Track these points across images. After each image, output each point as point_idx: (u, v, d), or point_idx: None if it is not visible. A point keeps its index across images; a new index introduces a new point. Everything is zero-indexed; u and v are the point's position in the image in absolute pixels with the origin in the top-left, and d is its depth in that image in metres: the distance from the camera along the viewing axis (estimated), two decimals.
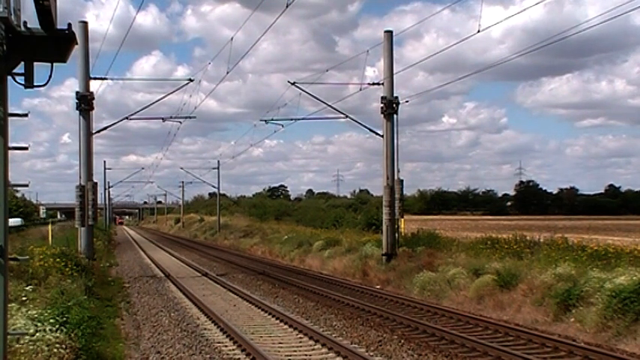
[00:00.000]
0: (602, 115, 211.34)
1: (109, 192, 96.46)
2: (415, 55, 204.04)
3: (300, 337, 14.49)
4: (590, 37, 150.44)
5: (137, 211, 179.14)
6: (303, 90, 28.44)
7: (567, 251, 19.65)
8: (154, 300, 20.79)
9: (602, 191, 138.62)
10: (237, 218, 70.49)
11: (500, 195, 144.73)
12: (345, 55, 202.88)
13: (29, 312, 11.26)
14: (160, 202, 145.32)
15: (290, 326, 15.71)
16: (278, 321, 16.57)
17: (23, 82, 5.94)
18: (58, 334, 10.18)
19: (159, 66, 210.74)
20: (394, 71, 26.54)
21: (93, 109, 26.50)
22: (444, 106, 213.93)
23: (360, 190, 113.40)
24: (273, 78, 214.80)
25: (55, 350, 9.54)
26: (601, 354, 12.20)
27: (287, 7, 17.77)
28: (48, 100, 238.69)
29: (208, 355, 12.66)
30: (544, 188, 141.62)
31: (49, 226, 33.86)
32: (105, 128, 30.72)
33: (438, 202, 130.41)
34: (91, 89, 26.53)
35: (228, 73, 26.91)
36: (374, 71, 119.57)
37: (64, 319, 11.32)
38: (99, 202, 33.13)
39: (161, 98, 31.66)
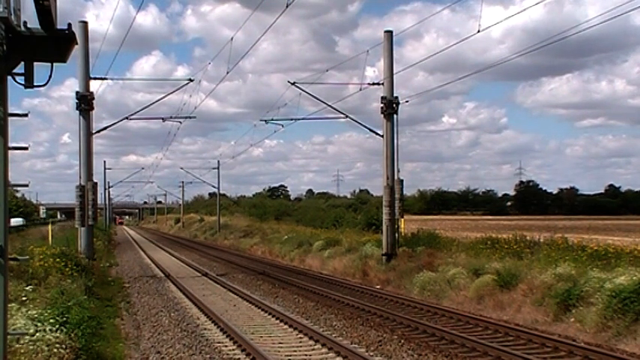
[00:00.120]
0: (602, 115, 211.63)
1: (109, 192, 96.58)
2: (415, 55, 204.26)
3: (300, 337, 14.49)
4: (590, 37, 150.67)
5: (137, 211, 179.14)
6: (303, 90, 28.47)
7: (567, 251, 19.65)
8: (154, 300, 20.79)
9: (602, 191, 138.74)
10: (237, 218, 70.49)
11: (500, 195, 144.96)
12: (345, 55, 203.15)
13: (29, 312, 11.26)
14: (160, 202, 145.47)
15: (290, 326, 15.71)
16: (278, 321, 16.57)
17: (23, 82, 5.94)
18: (58, 334, 10.18)
19: (159, 66, 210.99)
20: (394, 71, 26.57)
21: (93, 109, 26.50)
22: (444, 106, 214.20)
23: (360, 190, 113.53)
24: (273, 78, 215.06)
25: (55, 350, 9.54)
26: (601, 354, 12.20)
27: (287, 7, 17.79)
28: (48, 100, 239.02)
29: (208, 355, 12.66)
30: (544, 188, 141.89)
31: (49, 226, 33.88)
32: (105, 128, 30.77)
33: (438, 202, 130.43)
34: (91, 89, 26.54)
35: (228, 73, 26.94)
36: (374, 71, 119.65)
37: (64, 319, 11.32)
38: (99, 202, 33.12)
39: (161, 98, 31.70)
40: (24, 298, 12.98)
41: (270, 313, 17.68)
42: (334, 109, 29.03)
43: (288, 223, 56.04)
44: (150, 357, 12.61)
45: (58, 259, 18.88)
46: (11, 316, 10.42)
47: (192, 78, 28.72)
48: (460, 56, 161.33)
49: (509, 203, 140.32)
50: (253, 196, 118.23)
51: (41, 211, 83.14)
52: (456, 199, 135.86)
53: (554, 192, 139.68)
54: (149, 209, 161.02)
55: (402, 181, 26.21)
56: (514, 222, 72.85)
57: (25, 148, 7.90)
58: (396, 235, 26.40)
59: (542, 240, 22.97)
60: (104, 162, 78.17)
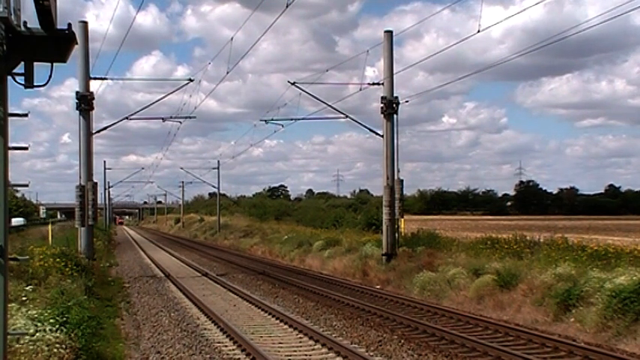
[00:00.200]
0: (602, 115, 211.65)
1: (109, 192, 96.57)
2: (415, 55, 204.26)
3: (300, 337, 14.49)
4: (590, 37, 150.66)
5: (137, 211, 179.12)
6: (303, 90, 28.47)
7: (567, 251, 19.65)
8: (154, 300, 20.79)
9: (602, 191, 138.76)
10: (237, 218, 70.48)
11: (500, 195, 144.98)
12: (345, 55, 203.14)
13: (29, 312, 11.26)
14: (160, 202, 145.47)
15: (290, 326, 15.71)
16: (278, 321, 16.57)
17: (23, 82, 5.94)
18: (58, 334, 10.18)
19: (159, 66, 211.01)
20: (394, 71, 26.57)
21: (93, 109, 26.49)
22: (444, 106, 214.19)
23: (360, 190, 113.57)
24: (273, 78, 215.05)
25: (55, 350, 9.54)
26: (601, 354, 12.20)
27: (287, 7, 17.78)
28: (48, 100, 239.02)
29: (208, 355, 12.66)
30: (544, 188, 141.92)
31: (49, 226, 33.87)
32: (105, 128, 30.77)
33: (438, 202, 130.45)
34: (91, 89, 26.54)
35: (228, 73, 26.94)
36: (374, 71, 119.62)
37: (64, 319, 11.32)
38: (99, 202, 33.12)
39: (161, 98, 31.70)
40: (24, 298, 12.98)
41: (270, 313, 17.68)
42: (334, 109, 29.06)
43: (288, 223, 56.03)
44: (150, 357, 12.61)
45: (58, 259, 18.88)
46: (11, 316, 10.42)
47: (192, 78, 28.75)
48: (460, 56, 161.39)
49: (509, 203, 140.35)
50: (253, 196, 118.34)
51: (41, 211, 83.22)
52: (456, 199, 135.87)
53: (554, 192, 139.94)
54: (149, 209, 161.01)
55: (402, 181, 26.21)
56: (514, 222, 72.86)
57: (25, 148, 7.90)
58: (396, 235, 26.39)
59: (542, 240, 22.97)
60: (104, 162, 78.24)
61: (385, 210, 26.17)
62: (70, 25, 5.89)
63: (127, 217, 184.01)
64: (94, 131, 27.05)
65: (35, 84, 6.00)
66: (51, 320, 10.78)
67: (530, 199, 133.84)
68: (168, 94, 31.00)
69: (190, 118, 32.87)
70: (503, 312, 17.19)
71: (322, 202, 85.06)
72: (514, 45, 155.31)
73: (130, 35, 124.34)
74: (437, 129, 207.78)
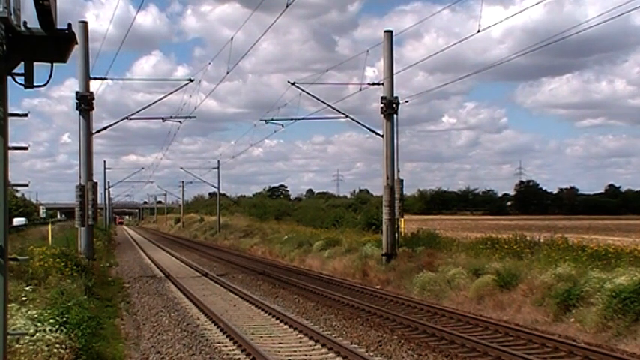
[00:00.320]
0: (602, 115, 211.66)
1: (109, 192, 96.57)
2: (415, 55, 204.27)
3: (300, 337, 14.49)
4: (590, 37, 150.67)
5: (137, 211, 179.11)
6: (303, 90, 28.47)
7: (567, 251, 19.65)
8: (154, 300, 20.79)
9: (602, 191, 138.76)
10: (237, 218, 70.48)
11: (500, 195, 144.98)
12: (345, 55, 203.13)
13: (29, 312, 11.26)
14: (160, 202, 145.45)
15: (290, 326, 15.71)
16: (278, 321, 16.57)
17: (23, 82, 5.94)
18: (58, 334, 10.18)
19: (159, 66, 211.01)
20: (394, 71, 26.57)
21: (93, 109, 26.49)
22: (444, 106, 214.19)
23: (360, 190, 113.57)
24: (273, 78, 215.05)
25: (55, 350, 9.54)
26: (601, 354, 12.20)
27: (287, 7, 17.78)
28: (48, 100, 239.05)
29: (208, 355, 12.66)
30: (544, 188, 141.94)
31: (49, 226, 33.87)
32: (105, 128, 30.76)
33: (438, 202, 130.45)
34: (91, 89, 26.54)
35: (228, 73, 26.94)
36: (374, 71, 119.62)
37: (64, 319, 11.32)
38: (99, 202, 33.12)
39: (161, 98, 31.69)
40: (24, 298, 12.98)
41: (270, 313, 17.68)
42: (334, 109, 29.06)
43: (288, 223, 56.03)
44: (150, 357, 12.61)
45: (58, 259, 18.88)
46: (11, 316, 10.42)
47: (192, 78, 28.75)
48: (460, 56, 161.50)
49: (509, 203, 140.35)
50: (253, 196, 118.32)
51: (41, 211, 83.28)
52: (456, 199, 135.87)
53: (554, 192, 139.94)
54: (149, 209, 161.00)
55: (402, 181, 26.21)
56: (514, 222, 72.85)
57: (25, 148, 7.90)
58: (396, 235, 26.39)
59: (542, 240, 22.97)
60: (104, 162, 78.23)
61: (385, 210, 26.17)
62: (70, 25, 5.89)
63: (127, 217, 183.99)
64: (94, 131, 27.06)
65: (35, 84, 6.00)
66: (51, 320, 10.78)
67: (530, 199, 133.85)
68: (169, 94, 31.04)
69: (190, 118, 32.91)
70: (503, 312, 17.19)
71: (322, 202, 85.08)
72: (514, 45, 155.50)
73: (130, 35, 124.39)
74: (437, 129, 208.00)
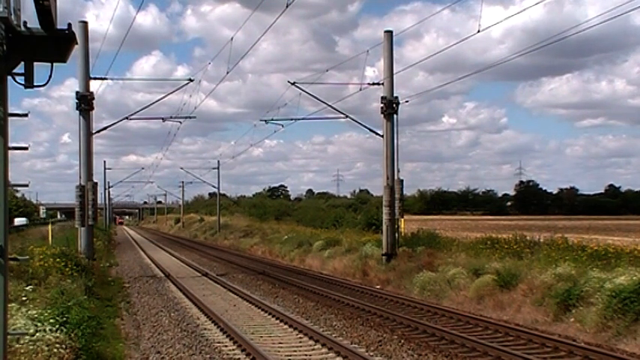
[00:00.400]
0: (602, 115, 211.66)
1: (109, 192, 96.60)
2: (415, 55, 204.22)
3: (300, 337, 14.49)
4: (590, 37, 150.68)
5: (137, 211, 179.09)
6: (303, 90, 28.47)
7: (567, 251, 19.65)
8: (154, 300, 20.80)
9: (602, 191, 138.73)
10: (237, 218, 70.47)
11: (500, 195, 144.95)
12: (345, 55, 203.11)
13: (29, 312, 11.26)
14: (160, 202, 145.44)
15: (290, 326, 15.72)
16: (278, 321, 16.57)
17: (23, 82, 5.94)
18: (58, 334, 10.18)
19: (159, 66, 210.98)
20: (394, 71, 26.57)
21: (93, 109, 26.50)
22: (444, 106, 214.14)
23: (360, 190, 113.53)
24: (273, 78, 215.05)
25: (55, 350, 9.54)
26: (601, 354, 12.20)
27: (287, 7, 17.78)
28: (48, 100, 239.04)
29: (208, 355, 12.66)
30: (544, 188, 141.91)
31: (49, 226, 33.87)
32: (105, 128, 30.77)
33: (438, 202, 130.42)
34: (91, 89, 26.55)
35: (228, 73, 26.95)
36: (374, 71, 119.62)
37: (64, 319, 11.32)
38: (99, 202, 33.11)
39: (161, 98, 31.70)
40: (24, 298, 12.98)
41: (270, 313, 17.68)
42: (334, 109, 29.06)
43: (288, 223, 56.02)
44: (150, 357, 12.61)
45: (58, 259, 18.88)
46: (11, 316, 10.42)
47: (192, 78, 28.76)
48: (460, 56, 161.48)
49: (509, 203, 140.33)
50: (253, 196, 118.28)
51: (41, 211, 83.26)
52: (456, 199, 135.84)
53: (554, 192, 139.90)
54: (149, 209, 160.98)
55: (402, 181, 26.21)
56: (514, 222, 72.84)
57: (25, 148, 7.90)
58: (396, 235, 26.39)
59: (542, 240, 22.97)
60: (104, 162, 78.26)
61: (385, 210, 26.17)
62: (70, 25, 5.89)
63: (127, 217, 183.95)
64: (94, 131, 27.07)
65: (35, 84, 6.00)
66: (51, 320, 10.78)
67: (530, 199, 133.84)
68: (168, 94, 31.05)
69: (190, 118, 32.92)
70: (503, 312, 17.19)
71: (322, 202, 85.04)
72: (514, 45, 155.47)
73: (130, 35, 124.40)
74: (437, 129, 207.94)
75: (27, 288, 14.24)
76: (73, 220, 29.39)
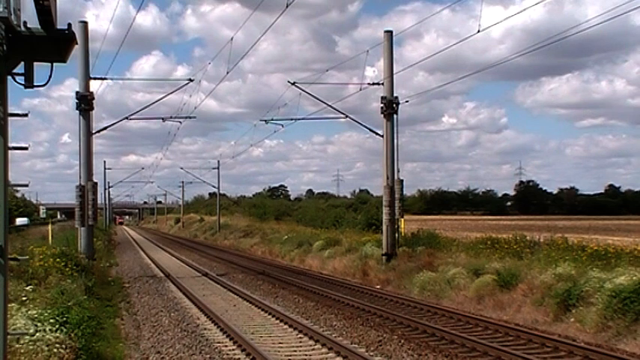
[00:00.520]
0: (602, 115, 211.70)
1: (109, 192, 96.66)
2: (415, 55, 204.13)
3: (300, 337, 14.49)
4: (590, 37, 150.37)
5: (137, 211, 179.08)
6: (303, 90, 28.48)
7: (567, 251, 19.65)
8: (154, 300, 20.80)
9: (602, 191, 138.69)
10: (237, 218, 70.48)
11: (500, 195, 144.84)
12: (345, 55, 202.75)
13: (29, 312, 11.25)
14: (159, 202, 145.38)
15: (290, 326, 15.72)
16: (278, 321, 16.58)
17: (23, 82, 5.95)
18: (58, 334, 10.18)
19: (159, 66, 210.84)
20: (394, 71, 26.58)
21: (93, 109, 26.51)
22: (444, 106, 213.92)
23: (360, 190, 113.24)
24: (273, 78, 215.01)
25: (55, 350, 9.54)
26: (601, 354, 12.21)
27: (287, 7, 17.78)
28: (48, 100, 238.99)
29: (208, 355, 12.66)
30: (544, 188, 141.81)
31: (49, 226, 33.86)
32: (105, 128, 30.74)
33: (438, 202, 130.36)
34: (91, 89, 26.56)
35: (228, 73, 26.94)
36: (374, 71, 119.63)
37: (64, 319, 11.32)
38: (99, 202, 33.11)
39: (161, 98, 31.68)
40: (24, 298, 12.97)
41: (270, 313, 17.69)
42: (334, 109, 29.06)
43: (288, 223, 56.00)
44: (150, 357, 12.61)
45: (58, 259, 18.88)
46: (11, 316, 10.41)
47: (192, 78, 28.77)
48: (460, 56, 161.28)
49: (509, 203, 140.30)
50: (253, 196, 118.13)
51: (41, 211, 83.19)
52: (456, 199, 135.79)
53: (554, 192, 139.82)
54: (149, 209, 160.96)
55: (402, 181, 26.21)
56: (514, 222, 72.81)
57: (25, 148, 7.92)
58: (396, 235, 26.40)
59: (542, 240, 22.98)
60: (104, 162, 78.33)
61: (385, 210, 26.18)
62: (70, 25, 5.89)
63: (127, 217, 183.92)
64: (94, 131, 27.08)
65: (35, 84, 6.01)
66: (51, 320, 10.78)
67: (530, 199, 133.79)
68: (168, 94, 31.07)
69: (190, 118, 32.93)
70: (503, 312, 17.19)
71: (322, 202, 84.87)
72: (514, 45, 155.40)
73: (130, 35, 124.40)
74: (437, 129, 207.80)
75: (27, 288, 14.24)
76: (73, 220, 29.39)
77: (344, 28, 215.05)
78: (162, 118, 33.15)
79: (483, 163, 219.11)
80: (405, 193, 27.24)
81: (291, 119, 33.94)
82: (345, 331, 15.18)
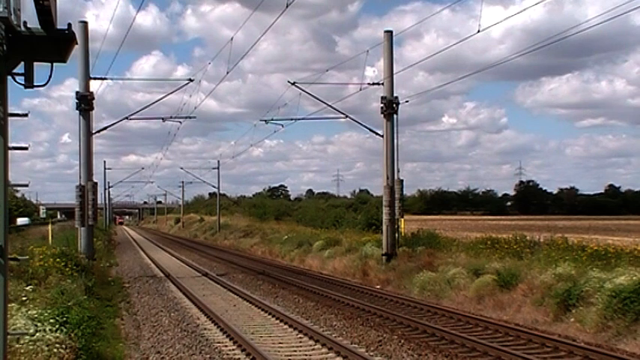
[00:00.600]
0: (602, 115, 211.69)
1: (109, 192, 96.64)
2: (415, 55, 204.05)
3: (300, 337, 14.50)
4: (590, 37, 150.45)
5: (137, 211, 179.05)
6: (303, 90, 28.48)
7: (567, 251, 19.65)
8: (154, 300, 20.80)
9: (602, 191, 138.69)
10: (237, 218, 70.47)
11: (500, 195, 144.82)
12: (345, 55, 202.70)
13: (29, 312, 11.25)
14: (159, 202, 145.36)
15: (290, 326, 15.72)
16: (278, 321, 16.58)
17: (23, 82, 5.95)
18: (58, 334, 10.18)
19: (159, 66, 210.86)
20: (394, 71, 26.58)
21: (93, 109, 26.51)
22: (444, 106, 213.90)
23: (360, 190, 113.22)
24: (273, 78, 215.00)
25: (55, 350, 9.54)
26: (601, 354, 12.21)
27: (287, 7, 17.78)
28: (48, 100, 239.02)
29: (208, 355, 12.66)
30: (544, 188, 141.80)
31: (49, 226, 33.87)
32: (105, 128, 30.74)
33: (438, 202, 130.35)
34: (91, 89, 26.56)
35: (228, 73, 26.95)
36: (374, 71, 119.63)
37: (64, 319, 11.32)
38: (99, 202, 33.11)
39: (161, 98, 31.69)
40: (24, 298, 12.97)
41: (270, 313, 17.69)
42: (334, 109, 29.07)
43: (288, 223, 55.99)
44: (150, 357, 12.61)
45: (58, 259, 18.88)
46: (11, 316, 10.41)
47: (192, 78, 28.77)
48: (460, 56, 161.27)
49: (509, 203, 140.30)
50: (253, 196, 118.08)
51: (41, 211, 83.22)
52: (456, 199, 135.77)
53: (554, 192, 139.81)
54: (149, 209, 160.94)
55: (402, 181, 26.21)
56: (514, 222, 72.80)
57: (25, 148, 7.92)
58: (396, 235, 26.40)
59: (542, 240, 22.98)
60: (104, 162, 78.31)
61: (385, 210, 26.17)
62: (70, 25, 5.89)
63: (127, 217, 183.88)
64: (94, 131, 27.08)
65: (35, 84, 6.01)
66: (51, 320, 10.78)
67: (530, 199, 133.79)
68: (168, 94, 31.08)
69: (190, 118, 32.94)
70: (503, 312, 17.19)
71: (322, 202, 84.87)
72: (514, 45, 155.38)
73: (130, 35, 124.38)
74: (437, 129, 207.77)
75: (27, 288, 14.24)
76: (73, 220, 29.39)
77: (344, 28, 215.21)
78: (163, 118, 33.19)
79: (483, 163, 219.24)
80: (405, 193, 27.26)
81: (291, 119, 33.98)
82: (345, 331, 15.18)
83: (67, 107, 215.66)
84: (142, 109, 31.43)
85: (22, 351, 9.23)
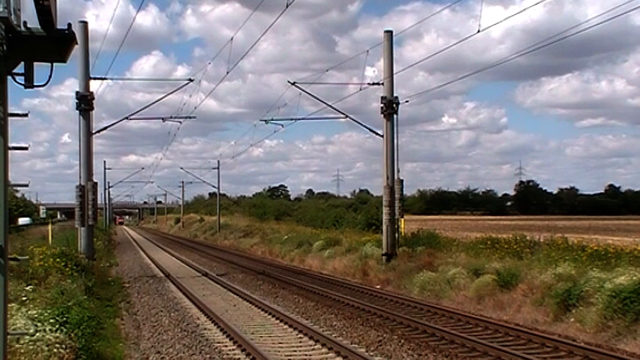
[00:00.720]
0: (602, 115, 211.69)
1: (109, 192, 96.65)
2: (415, 55, 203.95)
3: (300, 337, 14.50)
4: (590, 37, 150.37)
5: (137, 211, 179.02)
6: (303, 90, 28.49)
7: (567, 251, 19.65)
8: (154, 300, 20.80)
9: (602, 191, 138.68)
10: (237, 218, 70.48)
11: (500, 195, 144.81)
12: (345, 55, 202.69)
13: (29, 312, 11.25)
14: (159, 202, 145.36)
15: (290, 326, 15.72)
16: (278, 321, 16.58)
17: (23, 82, 5.95)
18: (58, 334, 10.17)
19: (159, 66, 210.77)
20: (394, 71, 26.58)
21: (93, 109, 26.51)
22: (444, 106, 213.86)
23: (360, 190, 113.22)
24: (273, 78, 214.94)
25: (55, 350, 9.54)
26: (601, 354, 12.21)
27: (287, 7, 17.78)
28: (48, 100, 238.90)
29: (208, 355, 12.66)
30: (544, 188, 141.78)
31: (49, 226, 33.87)
32: (105, 128, 30.75)
33: (438, 202, 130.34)
34: (91, 89, 26.57)
35: (228, 73, 26.97)
36: (374, 71, 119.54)
37: (64, 319, 11.32)
38: (99, 202, 33.11)
39: (161, 98, 31.68)
40: (24, 298, 12.97)
41: (270, 313, 17.69)
42: (334, 109, 29.07)
43: (288, 223, 55.99)
44: (150, 357, 12.61)
45: (58, 259, 18.88)
46: (11, 316, 10.41)
47: (192, 78, 28.78)
48: (460, 56, 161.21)
49: (509, 203, 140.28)
50: (253, 196, 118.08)
51: (41, 211, 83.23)
52: (456, 199, 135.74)
53: (554, 192, 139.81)
54: (149, 209, 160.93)
55: (402, 181, 26.21)
56: (514, 222, 72.80)
57: (25, 148, 7.92)
58: (396, 235, 26.40)
59: (542, 240, 22.97)
60: (104, 162, 78.34)
61: (385, 210, 26.17)
62: (70, 25, 5.89)
63: (127, 217, 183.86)
64: (94, 131, 27.08)
65: (35, 84, 6.01)
66: (51, 320, 10.78)
67: (530, 199, 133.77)
68: (168, 94, 31.08)
69: (190, 118, 32.95)
70: (503, 312, 17.19)
71: (322, 202, 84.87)
72: (514, 45, 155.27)
73: (130, 35, 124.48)
74: (437, 129, 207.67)
75: (27, 288, 14.24)
76: (73, 220, 29.39)
77: (344, 28, 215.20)
78: (163, 118, 33.20)
79: (483, 163, 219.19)
80: (405, 193, 27.26)
81: (291, 119, 34.00)
82: (345, 331, 15.18)
83: (67, 107, 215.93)
84: (142, 109, 31.49)
85: (22, 351, 9.23)
